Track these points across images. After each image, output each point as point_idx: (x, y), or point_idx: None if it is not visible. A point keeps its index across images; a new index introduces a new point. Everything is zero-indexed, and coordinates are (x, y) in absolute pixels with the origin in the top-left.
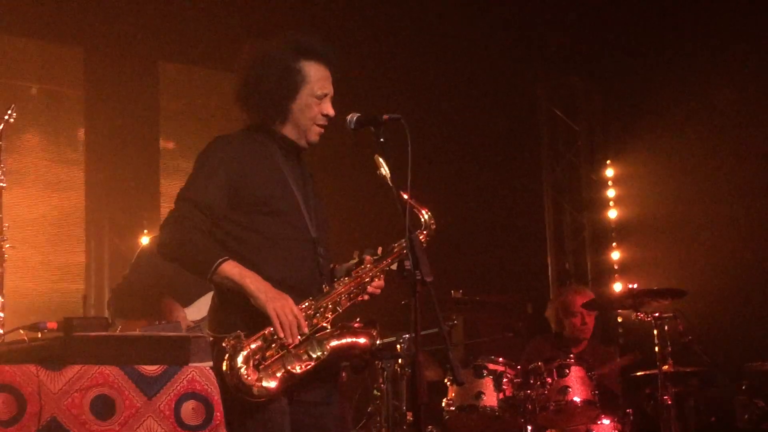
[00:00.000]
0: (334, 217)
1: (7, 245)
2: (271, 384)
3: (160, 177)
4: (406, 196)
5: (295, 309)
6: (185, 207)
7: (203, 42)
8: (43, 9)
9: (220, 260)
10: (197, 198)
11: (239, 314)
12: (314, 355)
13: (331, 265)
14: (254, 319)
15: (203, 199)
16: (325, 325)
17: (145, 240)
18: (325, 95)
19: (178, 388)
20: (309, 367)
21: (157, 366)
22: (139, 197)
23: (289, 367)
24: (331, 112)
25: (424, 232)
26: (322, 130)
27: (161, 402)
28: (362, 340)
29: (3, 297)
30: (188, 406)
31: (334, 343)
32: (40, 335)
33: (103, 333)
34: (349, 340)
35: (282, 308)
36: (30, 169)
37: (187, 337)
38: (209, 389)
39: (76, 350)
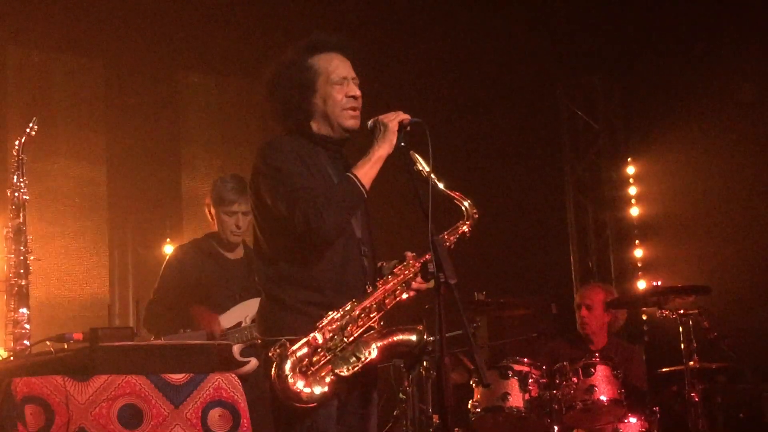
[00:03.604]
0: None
1: (32, 257)
2: (321, 389)
3: (181, 185)
4: (440, 186)
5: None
6: (306, 200)
7: (222, 51)
8: (62, 22)
9: (353, 178)
10: (299, 192)
11: (287, 317)
12: (362, 357)
13: (378, 264)
14: (302, 322)
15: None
16: (373, 325)
17: (169, 249)
18: (344, 79)
19: (205, 395)
20: (357, 368)
21: (183, 374)
22: (161, 205)
23: (337, 371)
24: (355, 92)
25: (467, 222)
26: (355, 113)
27: (188, 410)
28: (409, 337)
29: (29, 309)
30: (215, 414)
31: (380, 342)
32: (66, 346)
33: (129, 343)
34: (395, 338)
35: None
36: (53, 181)
37: (211, 345)
38: (236, 396)
39: (103, 360)
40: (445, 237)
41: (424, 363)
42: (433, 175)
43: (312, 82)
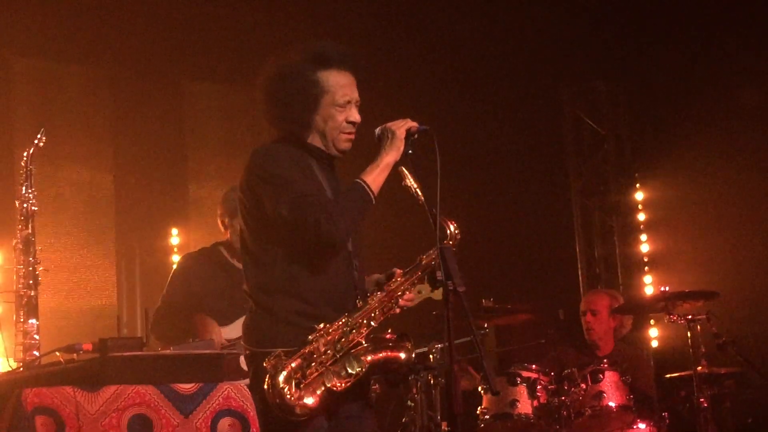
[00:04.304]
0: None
1: (40, 268)
2: (314, 401)
3: (189, 193)
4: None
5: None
6: (315, 205)
7: (228, 59)
8: (68, 32)
9: (362, 184)
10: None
11: (277, 328)
12: (352, 371)
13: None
14: (292, 333)
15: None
16: (360, 340)
17: (176, 257)
18: (348, 102)
19: (214, 405)
20: (348, 383)
21: (193, 384)
22: (169, 214)
23: (329, 384)
24: (356, 118)
25: (450, 243)
26: (352, 137)
27: (198, 420)
28: (399, 354)
29: (38, 320)
30: (225, 423)
31: (371, 357)
32: (75, 357)
33: (138, 353)
34: (385, 354)
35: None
36: (60, 191)
37: (220, 354)
38: (245, 406)
39: (112, 371)
40: (423, 258)
41: (431, 374)
42: (420, 192)
43: (316, 98)
